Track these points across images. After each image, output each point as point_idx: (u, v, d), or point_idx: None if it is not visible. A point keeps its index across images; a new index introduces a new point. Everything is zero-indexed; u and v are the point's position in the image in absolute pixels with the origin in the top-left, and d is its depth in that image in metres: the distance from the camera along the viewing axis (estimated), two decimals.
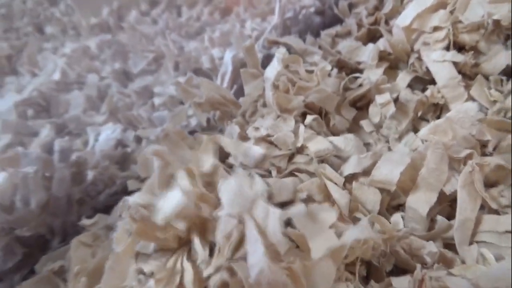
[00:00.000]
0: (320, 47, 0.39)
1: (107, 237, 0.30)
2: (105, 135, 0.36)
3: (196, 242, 0.23)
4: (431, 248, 0.21)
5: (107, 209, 0.35)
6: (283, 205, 0.26)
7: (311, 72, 0.34)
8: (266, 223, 0.21)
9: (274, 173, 0.28)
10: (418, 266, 0.19)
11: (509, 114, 0.27)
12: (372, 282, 0.22)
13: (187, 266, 0.22)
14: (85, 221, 0.30)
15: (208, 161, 0.27)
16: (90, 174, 0.34)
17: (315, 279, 0.20)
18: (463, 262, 0.22)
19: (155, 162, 0.28)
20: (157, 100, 0.42)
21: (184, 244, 0.24)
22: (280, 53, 0.31)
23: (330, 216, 0.22)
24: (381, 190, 0.26)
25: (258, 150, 0.27)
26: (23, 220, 0.31)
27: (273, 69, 0.30)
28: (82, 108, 0.42)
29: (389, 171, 0.25)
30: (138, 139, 0.40)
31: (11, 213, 0.30)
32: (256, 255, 0.20)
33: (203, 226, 0.24)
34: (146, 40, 0.50)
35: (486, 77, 0.30)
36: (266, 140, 0.29)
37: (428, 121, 0.31)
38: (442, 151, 0.24)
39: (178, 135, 0.31)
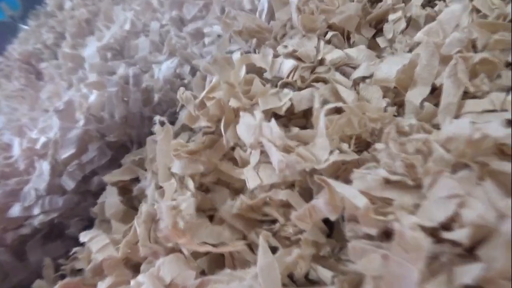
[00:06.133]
0: None
1: None
2: (165, 65, 0.44)
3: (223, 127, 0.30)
4: (412, 121, 0.26)
5: (170, 124, 0.44)
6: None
7: None
8: (272, 134, 0.27)
9: (299, 82, 0.34)
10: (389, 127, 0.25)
11: (508, 18, 0.30)
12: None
13: None
14: (156, 128, 0.39)
15: (243, 73, 0.34)
16: (156, 97, 0.43)
17: (316, 152, 0.26)
18: None
19: (207, 78, 0.36)
20: (207, 40, 0.49)
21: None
22: None
23: None
24: (385, 89, 0.31)
25: (290, 62, 0.33)
26: (110, 129, 0.41)
27: None
28: (148, 50, 0.52)
29: (388, 70, 0.30)
30: (193, 73, 0.49)
31: (102, 123, 0.40)
32: (275, 155, 0.26)
33: (236, 121, 0.31)
34: None
35: None
36: (292, 55, 0.35)
37: None
38: (433, 49, 0.28)
39: (225, 60, 0.39)
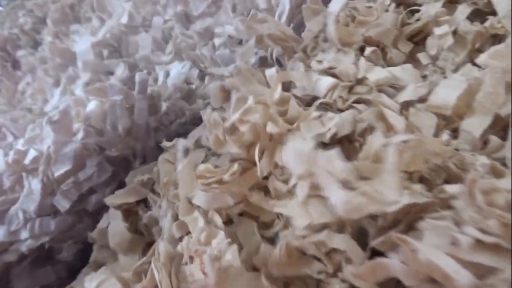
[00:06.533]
0: None
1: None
2: (176, 70, 0.39)
3: (257, 154, 0.26)
4: (483, 160, 0.23)
5: (178, 137, 0.40)
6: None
7: (370, 8, 0.35)
8: (331, 164, 0.23)
9: (339, 103, 0.30)
10: (472, 171, 0.22)
11: None
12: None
13: None
14: (165, 143, 0.35)
15: (279, 92, 0.29)
16: (164, 105, 0.38)
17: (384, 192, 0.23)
18: None
19: (232, 93, 0.32)
20: (217, 40, 0.45)
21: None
22: None
23: None
24: (437, 116, 0.28)
25: (328, 80, 0.29)
26: (111, 142, 0.36)
27: (337, 3, 0.31)
28: (150, 48, 0.46)
29: (446, 95, 0.27)
30: (202, 77, 0.44)
31: (102, 136, 0.35)
32: (337, 193, 0.22)
33: (272, 147, 0.27)
34: None
35: None
36: (328, 72, 0.31)
37: None
38: (500, 75, 0.25)
39: (249, 71, 0.34)
